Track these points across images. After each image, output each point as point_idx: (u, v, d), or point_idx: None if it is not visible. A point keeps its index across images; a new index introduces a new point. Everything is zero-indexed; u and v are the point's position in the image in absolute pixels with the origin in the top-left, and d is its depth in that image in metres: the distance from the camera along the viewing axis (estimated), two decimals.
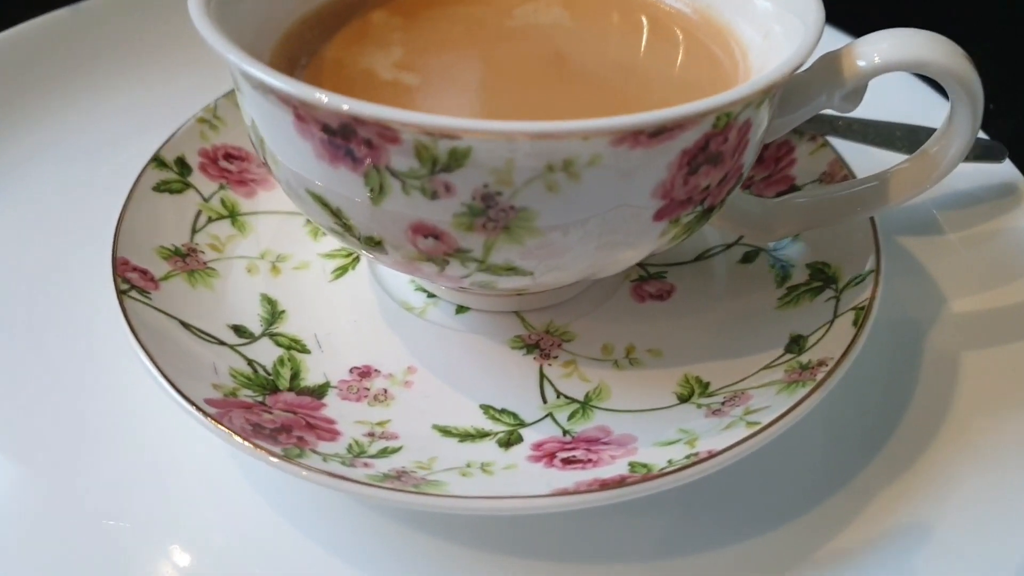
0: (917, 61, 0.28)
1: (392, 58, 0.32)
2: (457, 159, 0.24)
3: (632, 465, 0.27)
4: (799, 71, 0.27)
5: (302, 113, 0.24)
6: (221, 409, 0.27)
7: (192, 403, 0.27)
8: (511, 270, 0.27)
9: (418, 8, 0.35)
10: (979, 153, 0.40)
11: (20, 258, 0.38)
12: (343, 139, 0.24)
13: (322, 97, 0.23)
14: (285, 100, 0.24)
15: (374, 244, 0.27)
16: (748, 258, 0.36)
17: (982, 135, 0.41)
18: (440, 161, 0.24)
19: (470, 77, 0.32)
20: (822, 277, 0.33)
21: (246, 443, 0.26)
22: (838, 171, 0.37)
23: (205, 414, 0.27)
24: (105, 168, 0.42)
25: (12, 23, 0.47)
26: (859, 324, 0.30)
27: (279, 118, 0.25)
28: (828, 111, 0.30)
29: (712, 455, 0.26)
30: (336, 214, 0.27)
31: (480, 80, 0.31)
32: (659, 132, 0.24)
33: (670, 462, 0.26)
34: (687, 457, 0.26)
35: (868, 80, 0.29)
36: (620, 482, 0.25)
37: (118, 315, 0.30)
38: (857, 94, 0.30)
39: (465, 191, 0.24)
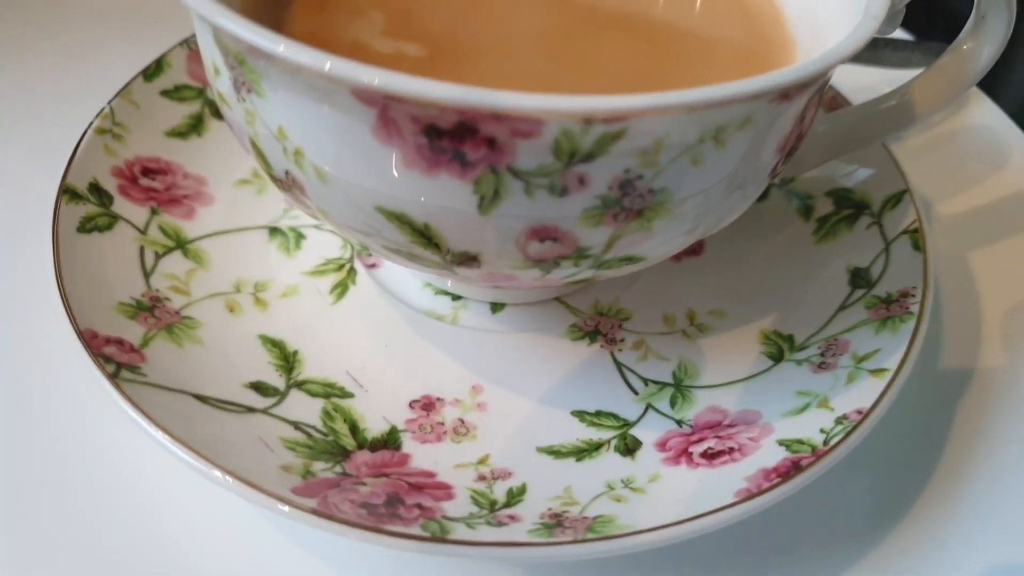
0: None
1: (375, 26, 0.27)
2: (603, 145, 0.19)
3: (786, 445, 0.25)
4: None
5: (393, 115, 0.19)
6: (316, 497, 0.22)
7: (286, 502, 0.21)
8: (623, 260, 0.23)
9: None
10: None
11: None
12: (454, 141, 0.19)
13: (443, 92, 0.18)
14: (370, 100, 0.19)
15: (466, 259, 0.22)
16: (760, 196, 0.34)
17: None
18: (582, 151, 0.19)
19: (490, 40, 0.27)
20: (850, 204, 0.32)
21: (382, 535, 0.21)
22: (841, 104, 0.36)
23: (309, 511, 0.21)
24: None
25: None
26: (922, 248, 0.29)
27: (349, 123, 0.20)
28: None
29: (865, 414, 0.24)
30: (420, 232, 0.22)
31: (505, 43, 0.26)
32: (803, 86, 0.21)
33: (824, 431, 0.24)
34: (838, 422, 0.25)
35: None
36: (797, 467, 0.23)
37: (104, 407, 0.23)
38: (898, 16, 0.28)
39: (601, 182, 0.20)
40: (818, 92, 0.24)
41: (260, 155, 0.23)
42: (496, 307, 0.30)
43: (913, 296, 0.28)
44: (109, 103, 0.31)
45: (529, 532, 0.22)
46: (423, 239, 0.22)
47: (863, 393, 0.25)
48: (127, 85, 0.32)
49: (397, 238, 0.22)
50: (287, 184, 0.23)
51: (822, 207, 0.33)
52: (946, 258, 0.35)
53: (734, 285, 0.31)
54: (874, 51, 0.39)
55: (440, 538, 0.21)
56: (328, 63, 0.18)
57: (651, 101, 0.19)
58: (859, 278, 0.30)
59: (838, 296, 0.30)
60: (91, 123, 0.30)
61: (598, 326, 0.29)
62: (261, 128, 0.22)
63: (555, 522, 0.22)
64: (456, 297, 0.30)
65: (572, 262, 0.22)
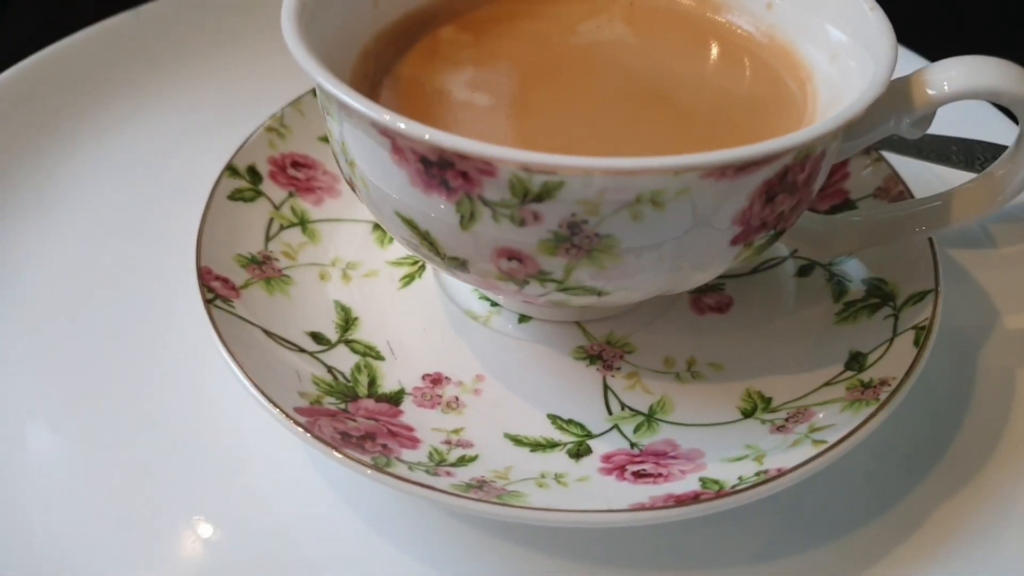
0: (989, 90, 0.28)
1: (463, 77, 0.33)
2: (549, 191, 0.25)
3: (703, 481, 0.28)
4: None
5: (400, 145, 0.26)
6: (310, 418, 0.29)
7: (284, 412, 0.28)
8: (586, 290, 0.28)
9: (484, 24, 0.36)
10: None
11: (95, 262, 0.39)
12: (439, 170, 0.25)
13: (424, 133, 0.24)
14: (385, 132, 0.26)
15: (458, 263, 0.28)
16: (804, 271, 0.37)
17: None
18: (532, 193, 0.25)
19: (541, 99, 0.33)
20: (879, 294, 0.34)
21: (338, 454, 0.27)
22: (893, 186, 0.38)
23: (296, 423, 0.28)
24: (172, 171, 0.43)
25: (74, 28, 0.48)
26: (920, 344, 0.31)
27: (375, 147, 0.27)
28: None
29: (782, 473, 0.27)
30: (424, 236, 0.28)
31: (553, 103, 0.32)
32: (746, 166, 0.25)
33: (741, 479, 0.27)
34: (757, 475, 0.27)
35: (937, 108, 0.30)
36: (695, 498, 0.26)
37: (198, 321, 0.31)
38: (925, 121, 0.30)
39: (553, 220, 0.25)
40: (787, 174, 0.27)
41: (337, 160, 0.30)
42: (523, 318, 0.35)
43: (888, 385, 0.30)
44: (282, 109, 0.40)
45: (452, 485, 0.27)
46: (426, 242, 0.28)
47: (793, 456, 0.28)
48: (299, 97, 0.41)
49: (410, 238, 0.29)
50: (351, 184, 0.30)
51: (855, 292, 0.35)
52: (997, 368, 0.35)
53: (742, 346, 0.34)
54: (916, 144, 0.40)
55: (376, 467, 0.27)
56: (359, 104, 0.25)
57: (578, 163, 0.24)
58: (855, 361, 0.32)
59: (829, 373, 0.32)
60: (263, 123, 0.40)
61: (602, 352, 0.34)
62: (335, 142, 0.29)
63: (477, 485, 0.27)
64: (494, 304, 0.36)
65: (539, 282, 0.28)
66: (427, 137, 0.24)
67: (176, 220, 0.37)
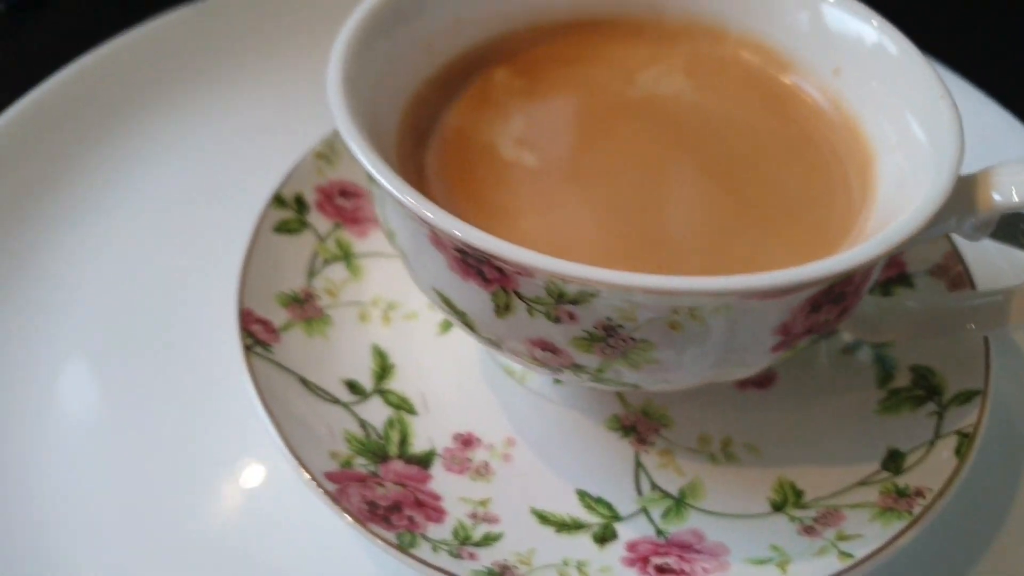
0: None
1: (513, 131, 0.33)
2: (583, 298, 0.24)
3: None
4: None
5: (438, 234, 0.25)
6: (340, 484, 0.29)
7: (315, 479, 0.29)
8: (621, 383, 0.28)
9: (539, 66, 0.35)
10: None
11: (140, 267, 0.39)
12: (476, 262, 0.25)
13: (457, 232, 0.24)
14: (423, 221, 0.25)
15: (492, 343, 0.28)
16: (851, 349, 0.36)
17: None
18: (567, 297, 0.24)
19: (590, 166, 0.32)
20: (925, 385, 0.33)
21: (364, 530, 0.28)
22: (953, 266, 0.36)
23: (326, 491, 0.28)
24: (230, 171, 0.42)
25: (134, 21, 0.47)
26: (962, 456, 0.30)
27: (416, 229, 0.26)
28: None
29: None
30: (460, 314, 0.28)
31: (602, 172, 0.31)
32: (790, 290, 0.24)
33: None
34: None
35: (1002, 214, 0.28)
36: None
37: (238, 364, 0.32)
38: (989, 225, 0.29)
39: (588, 321, 0.25)
40: (832, 288, 0.26)
41: (384, 230, 0.30)
42: (558, 381, 0.35)
43: (924, 497, 0.29)
44: (333, 132, 0.40)
45: (473, 571, 0.27)
46: (462, 320, 0.28)
47: (818, 568, 0.28)
48: None
49: (447, 312, 0.28)
50: (398, 253, 0.30)
51: (901, 379, 0.34)
52: None
53: (780, 428, 0.34)
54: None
55: (399, 547, 0.27)
56: (399, 193, 0.25)
57: (614, 278, 0.23)
58: (892, 461, 0.31)
59: (865, 471, 0.31)
60: (312, 147, 0.39)
61: (636, 424, 0.34)
62: (377, 206, 0.29)
63: (499, 571, 0.28)
64: None
65: (572, 372, 0.27)
66: (458, 235, 0.24)
67: (223, 232, 0.37)
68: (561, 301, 0.25)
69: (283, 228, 0.37)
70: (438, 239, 0.25)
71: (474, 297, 0.26)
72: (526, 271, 0.24)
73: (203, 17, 0.49)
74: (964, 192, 0.28)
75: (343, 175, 0.40)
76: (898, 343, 0.35)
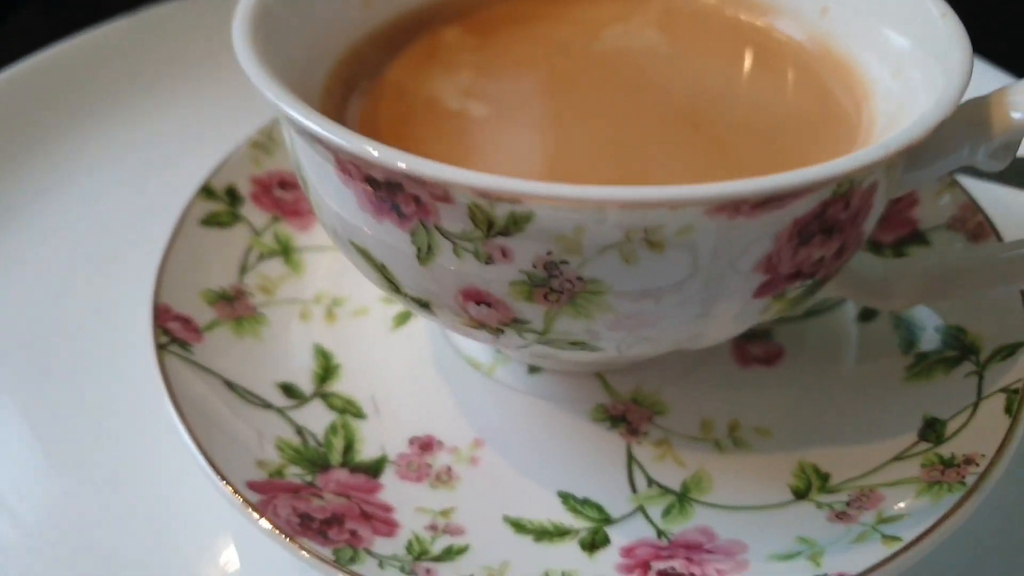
0: None
1: (460, 84, 0.28)
2: (517, 224, 0.20)
3: None
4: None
5: (344, 162, 0.21)
6: (265, 495, 0.24)
7: (233, 488, 0.23)
8: (577, 344, 0.23)
9: (496, 26, 0.31)
10: None
11: (58, 286, 0.35)
12: (388, 193, 0.20)
13: (359, 147, 0.19)
14: (326, 146, 0.21)
15: (422, 305, 0.23)
16: (867, 316, 0.31)
17: None
18: (497, 225, 0.20)
19: (544, 111, 0.27)
20: (957, 345, 0.28)
21: (292, 543, 0.22)
22: (971, 216, 0.32)
23: (246, 502, 0.23)
24: (159, 185, 0.39)
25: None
26: (1014, 412, 0.25)
27: (321, 164, 0.22)
28: None
29: None
30: (381, 270, 0.23)
31: (555, 116, 0.27)
32: (766, 202, 0.19)
33: None
34: None
35: (1022, 136, 0.24)
36: None
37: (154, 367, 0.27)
38: (1007, 151, 0.24)
39: (524, 258, 0.20)
40: (825, 211, 0.21)
41: (300, 181, 0.26)
42: (532, 369, 0.30)
43: (976, 465, 0.24)
44: (272, 121, 0.36)
45: None
46: (384, 278, 0.23)
47: (860, 557, 0.22)
48: None
49: (368, 273, 0.24)
50: (314, 211, 0.25)
51: (927, 342, 0.29)
52: None
53: (795, 406, 0.29)
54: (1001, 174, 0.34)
55: (336, 563, 0.22)
56: (294, 110, 0.20)
57: (544, 190, 0.18)
58: (931, 430, 0.26)
59: (900, 445, 0.26)
60: (249, 137, 0.35)
61: (626, 413, 0.29)
62: (292, 157, 0.25)
63: None
64: (500, 351, 0.30)
65: (515, 332, 0.22)
66: (370, 153, 0.19)
67: (146, 248, 0.33)
68: (491, 233, 0.20)
69: (212, 221, 0.32)
70: (346, 171, 0.21)
71: (392, 241, 0.21)
72: (444, 192, 0.19)
73: (133, 31, 0.45)
74: (977, 113, 0.24)
75: (282, 165, 0.35)
76: (916, 307, 0.30)
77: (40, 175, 0.40)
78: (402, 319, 0.32)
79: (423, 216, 0.20)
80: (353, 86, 0.28)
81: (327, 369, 0.30)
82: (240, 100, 0.41)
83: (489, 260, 0.20)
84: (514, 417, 0.29)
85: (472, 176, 0.19)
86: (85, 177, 0.40)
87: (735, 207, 0.19)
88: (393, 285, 0.23)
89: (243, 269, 0.32)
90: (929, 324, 0.30)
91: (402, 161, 0.19)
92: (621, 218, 0.19)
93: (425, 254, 0.21)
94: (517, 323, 0.22)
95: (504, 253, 0.20)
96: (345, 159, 0.20)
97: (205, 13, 0.46)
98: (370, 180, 0.20)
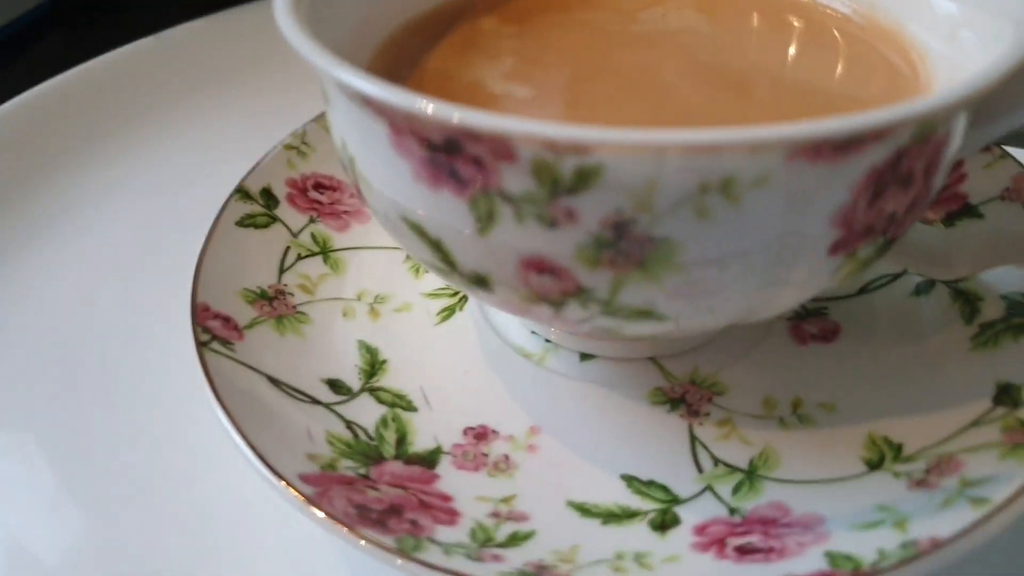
0: None
1: (502, 69, 0.28)
2: (584, 179, 0.19)
3: (831, 557, 0.21)
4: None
5: (400, 125, 0.20)
6: (319, 488, 0.23)
7: (285, 480, 0.22)
8: (644, 314, 0.22)
9: (532, 14, 0.31)
10: None
11: (97, 297, 0.35)
12: (447, 156, 0.20)
13: (425, 105, 0.19)
14: (380, 110, 0.20)
15: (479, 282, 0.22)
16: (922, 290, 0.30)
17: None
18: (563, 182, 0.19)
19: (589, 92, 0.27)
20: None
21: (351, 534, 0.21)
22: None
23: (301, 495, 0.22)
24: (189, 201, 0.38)
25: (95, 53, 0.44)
26: None
27: (374, 133, 0.21)
28: None
29: (939, 544, 0.20)
30: (436, 246, 0.22)
31: (602, 96, 0.26)
32: (848, 144, 0.19)
33: (882, 553, 0.21)
34: (904, 547, 0.21)
35: None
36: None
37: (196, 367, 0.26)
38: None
39: (592, 218, 0.20)
40: (900, 160, 0.20)
41: (344, 167, 0.25)
42: (585, 356, 0.29)
43: None
44: (304, 125, 0.35)
45: (499, 574, 0.21)
46: (439, 254, 0.22)
47: (949, 521, 0.21)
48: (324, 113, 0.36)
49: (421, 253, 0.23)
50: (358, 195, 0.25)
51: (991, 311, 0.28)
52: None
53: (859, 381, 0.28)
54: None
55: (401, 552, 0.21)
56: (347, 75, 0.20)
57: (619, 137, 0.18)
58: (1006, 395, 0.25)
59: (974, 411, 0.25)
60: (282, 140, 0.35)
61: (685, 395, 0.28)
62: (337, 141, 0.24)
63: (534, 572, 0.21)
64: (549, 340, 0.30)
65: (579, 303, 0.21)
66: (429, 110, 0.19)
67: (187, 253, 0.32)
68: (556, 192, 0.19)
69: (248, 222, 0.32)
70: (401, 136, 0.20)
71: (449, 212, 0.21)
72: (506, 147, 0.19)
73: (159, 51, 0.46)
74: None
75: (317, 168, 0.35)
76: (978, 276, 0.29)
77: (72, 189, 0.40)
78: (447, 314, 0.31)
79: (484, 180, 0.19)
80: (394, 74, 0.28)
81: (374, 364, 0.29)
82: (265, 115, 0.42)
83: (553, 224, 0.20)
84: (569, 404, 0.28)
85: (537, 126, 0.18)
86: (118, 189, 0.40)
87: (816, 150, 0.18)
88: (449, 262, 0.22)
89: (282, 269, 0.32)
90: (990, 293, 0.29)
91: (464, 115, 0.18)
92: (696, 165, 0.18)
93: (486, 223, 0.20)
94: (581, 292, 0.21)
95: (570, 214, 0.19)
96: (401, 122, 0.20)
97: (228, 31, 0.46)
98: (427, 143, 0.20)
